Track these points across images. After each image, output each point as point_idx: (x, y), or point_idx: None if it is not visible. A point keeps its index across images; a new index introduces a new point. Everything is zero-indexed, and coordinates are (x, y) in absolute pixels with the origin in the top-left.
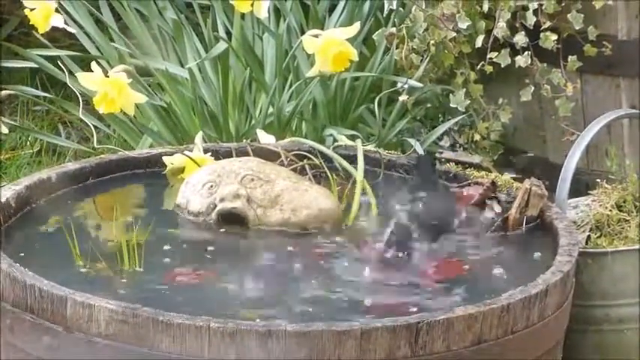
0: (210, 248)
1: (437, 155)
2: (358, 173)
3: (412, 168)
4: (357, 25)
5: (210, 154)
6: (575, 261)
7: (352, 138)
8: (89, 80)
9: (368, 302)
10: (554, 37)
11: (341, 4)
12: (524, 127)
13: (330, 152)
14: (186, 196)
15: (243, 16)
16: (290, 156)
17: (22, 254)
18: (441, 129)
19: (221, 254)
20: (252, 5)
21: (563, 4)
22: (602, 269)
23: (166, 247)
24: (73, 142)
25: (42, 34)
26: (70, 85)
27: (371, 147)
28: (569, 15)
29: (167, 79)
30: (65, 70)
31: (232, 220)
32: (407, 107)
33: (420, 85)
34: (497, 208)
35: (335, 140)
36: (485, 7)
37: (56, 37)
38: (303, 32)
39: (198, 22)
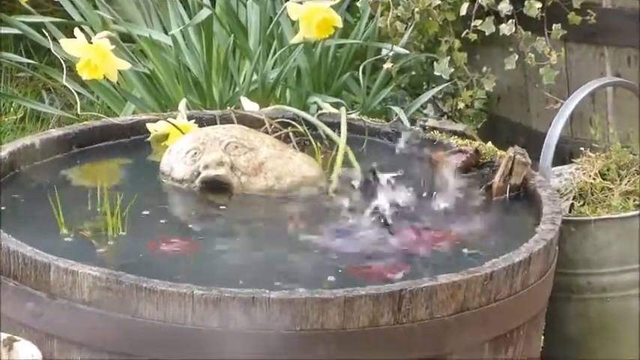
0: (194, 215)
1: (421, 123)
2: (341, 140)
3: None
4: None
5: (193, 121)
6: (558, 229)
7: (336, 106)
8: (72, 47)
9: (351, 269)
10: (539, 5)
11: None
12: (509, 95)
13: (314, 120)
14: (170, 163)
15: None
16: (274, 123)
17: (6, 220)
18: (425, 97)
19: (205, 221)
20: None
21: None
22: (586, 237)
23: (150, 214)
24: (56, 108)
25: (25, 1)
26: (53, 52)
27: (355, 115)
28: None
29: (150, 45)
30: (49, 36)
31: (216, 187)
32: (391, 75)
33: (405, 52)
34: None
35: (319, 108)
36: None
37: (40, 3)
38: None
39: None
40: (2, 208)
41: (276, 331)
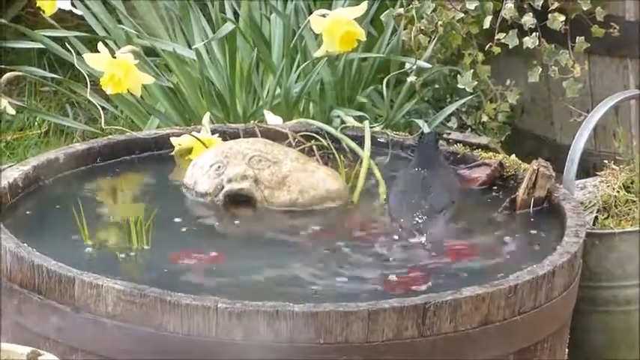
0: (217, 229)
1: (442, 133)
2: (365, 152)
3: (415, 145)
4: (364, 5)
5: (217, 135)
6: (582, 242)
7: (360, 119)
8: (96, 61)
9: (378, 282)
10: (562, 18)
11: None
12: (532, 108)
13: (337, 133)
14: (194, 176)
15: None
16: (297, 137)
17: (30, 234)
18: (448, 110)
19: (229, 235)
20: None
21: None
22: (610, 250)
23: (174, 228)
24: (80, 122)
25: (49, 15)
26: (77, 66)
27: (378, 128)
28: None
29: (174, 60)
30: (72, 50)
31: (240, 200)
32: (415, 88)
33: (428, 65)
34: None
35: (342, 121)
36: None
37: (63, 17)
38: (310, 12)
39: (206, 2)
40: (26, 222)
41: (300, 344)
